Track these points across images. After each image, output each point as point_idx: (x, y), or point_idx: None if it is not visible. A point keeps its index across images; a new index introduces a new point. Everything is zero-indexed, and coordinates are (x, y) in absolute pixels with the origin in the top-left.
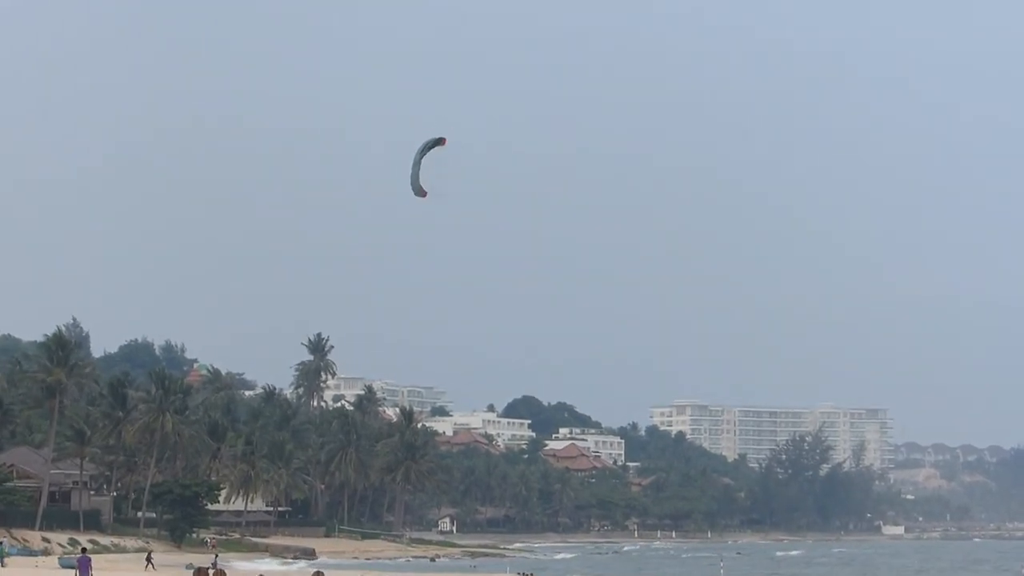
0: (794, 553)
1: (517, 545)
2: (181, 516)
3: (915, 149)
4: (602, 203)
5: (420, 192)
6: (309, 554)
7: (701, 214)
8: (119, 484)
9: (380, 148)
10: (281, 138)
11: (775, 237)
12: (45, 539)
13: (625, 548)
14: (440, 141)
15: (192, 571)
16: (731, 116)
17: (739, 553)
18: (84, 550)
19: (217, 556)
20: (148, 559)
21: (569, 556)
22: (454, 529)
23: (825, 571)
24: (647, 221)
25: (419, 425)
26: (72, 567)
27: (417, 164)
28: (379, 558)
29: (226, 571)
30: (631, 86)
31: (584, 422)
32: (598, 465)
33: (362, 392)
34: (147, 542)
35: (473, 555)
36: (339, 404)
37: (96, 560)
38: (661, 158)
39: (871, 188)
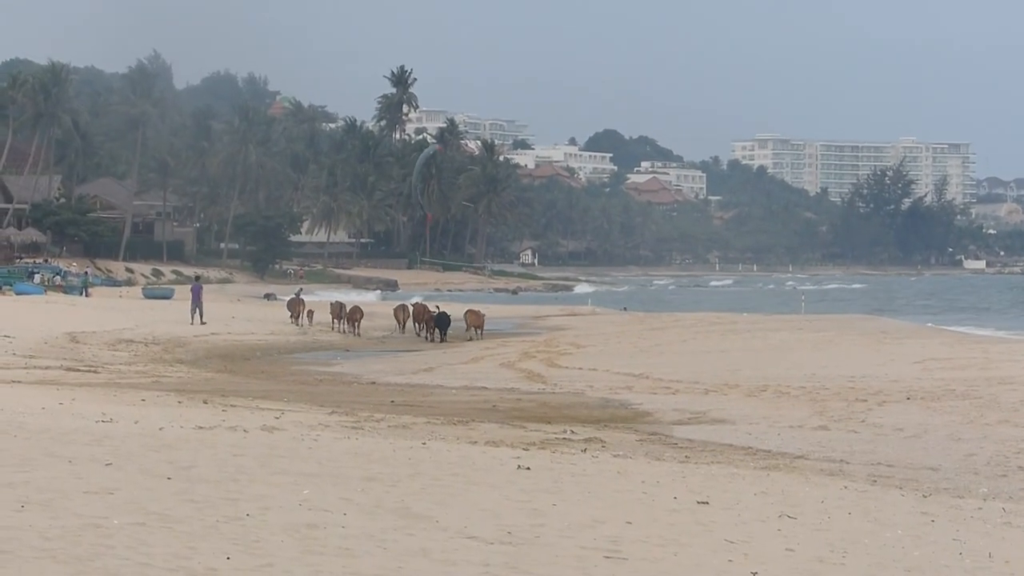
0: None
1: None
2: (264, 247)
3: None
4: None
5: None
6: (391, 285)
7: None
8: (202, 215)
9: None
10: None
11: None
12: (129, 269)
13: (712, 283)
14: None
15: (270, 299)
16: None
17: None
18: (197, 278)
19: (302, 287)
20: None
21: (589, 289)
22: (536, 262)
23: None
24: None
25: (501, 158)
26: (155, 298)
27: (417, 185)
28: (461, 290)
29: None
30: None
31: (666, 156)
32: (680, 199)
33: (444, 125)
34: (230, 272)
35: (555, 287)
36: (421, 137)
37: (179, 291)
38: None
39: None
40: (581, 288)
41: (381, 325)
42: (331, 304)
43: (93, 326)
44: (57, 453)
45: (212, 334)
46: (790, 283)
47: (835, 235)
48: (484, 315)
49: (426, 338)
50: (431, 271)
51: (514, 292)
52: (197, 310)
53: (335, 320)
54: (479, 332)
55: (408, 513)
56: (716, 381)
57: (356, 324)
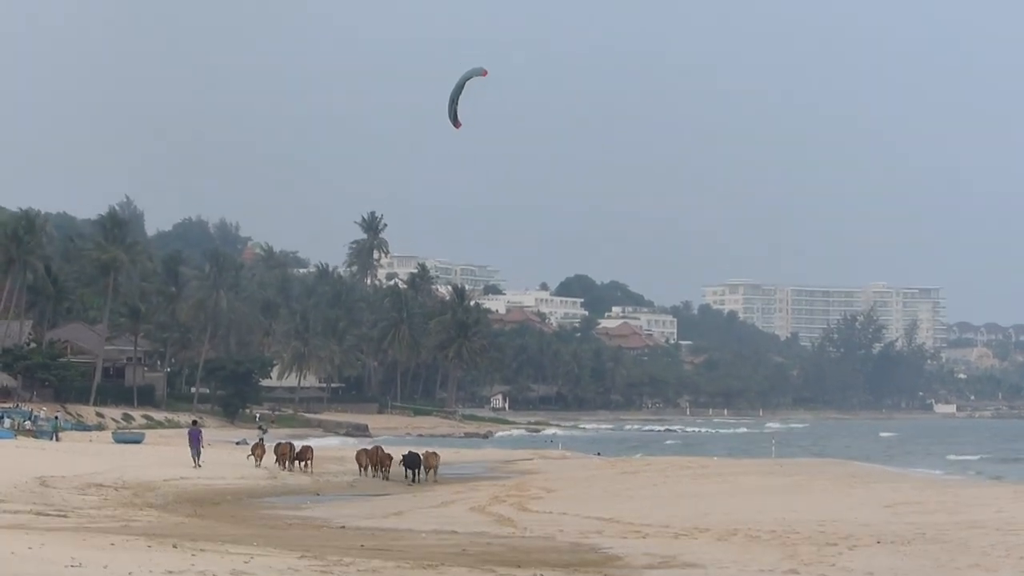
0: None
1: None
2: (234, 392)
3: None
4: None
5: (456, 124)
6: (362, 430)
7: (752, 98)
8: (173, 360)
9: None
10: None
11: (830, 119)
12: (99, 414)
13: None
14: (481, 73)
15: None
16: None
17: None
18: (195, 422)
19: (264, 431)
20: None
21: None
22: (506, 406)
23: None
24: (700, 102)
25: (472, 303)
26: (125, 442)
27: (454, 97)
28: (432, 434)
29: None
30: None
31: (637, 301)
32: (650, 344)
33: (415, 271)
34: (201, 417)
35: (532, 431)
36: (392, 282)
37: (150, 435)
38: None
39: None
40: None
41: (351, 469)
42: (278, 445)
43: (63, 470)
44: None
45: (182, 478)
46: (769, 426)
47: (806, 379)
48: (439, 456)
49: (383, 478)
50: (402, 415)
51: (485, 436)
52: (198, 453)
53: (284, 461)
54: (429, 473)
55: None
56: (686, 525)
57: (307, 462)
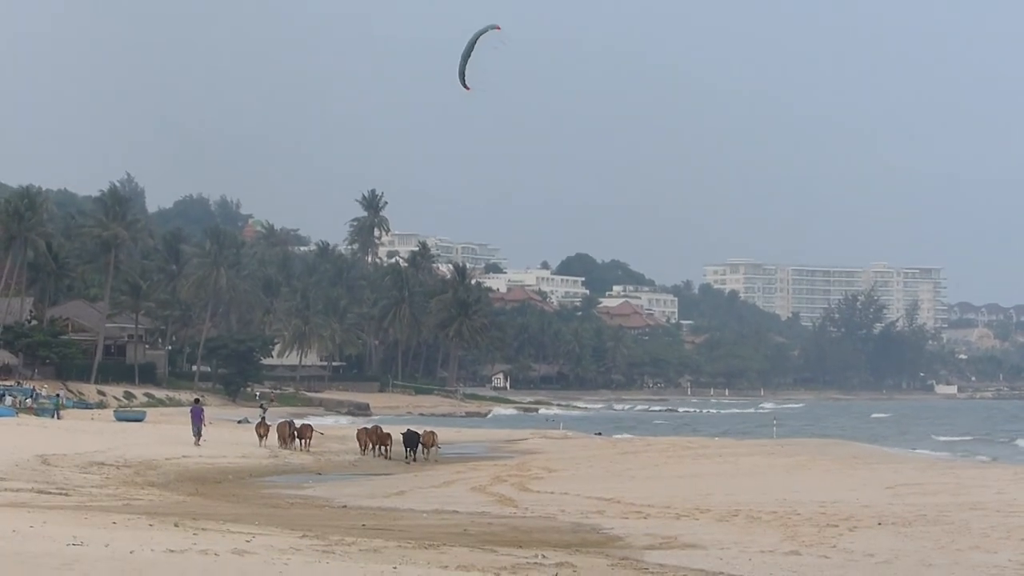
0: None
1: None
2: (235, 370)
3: None
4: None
5: (465, 86)
6: (363, 409)
7: (755, 74)
8: (174, 338)
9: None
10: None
11: (831, 102)
12: (100, 392)
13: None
14: (494, 27)
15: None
16: None
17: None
18: (197, 400)
19: (266, 409)
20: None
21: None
22: (507, 385)
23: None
24: (705, 82)
25: (473, 282)
26: (126, 420)
27: (466, 55)
28: (433, 413)
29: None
30: None
31: (638, 280)
32: (651, 323)
33: (416, 249)
34: (202, 395)
35: (526, 410)
36: (393, 260)
37: (151, 414)
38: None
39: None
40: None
41: (352, 448)
42: (278, 424)
43: (64, 449)
44: None
45: (184, 457)
46: (762, 406)
47: (807, 360)
48: (437, 435)
49: (386, 456)
50: (403, 394)
51: (486, 415)
52: (199, 431)
53: (284, 440)
54: (427, 452)
55: None
56: (688, 505)
57: (307, 441)
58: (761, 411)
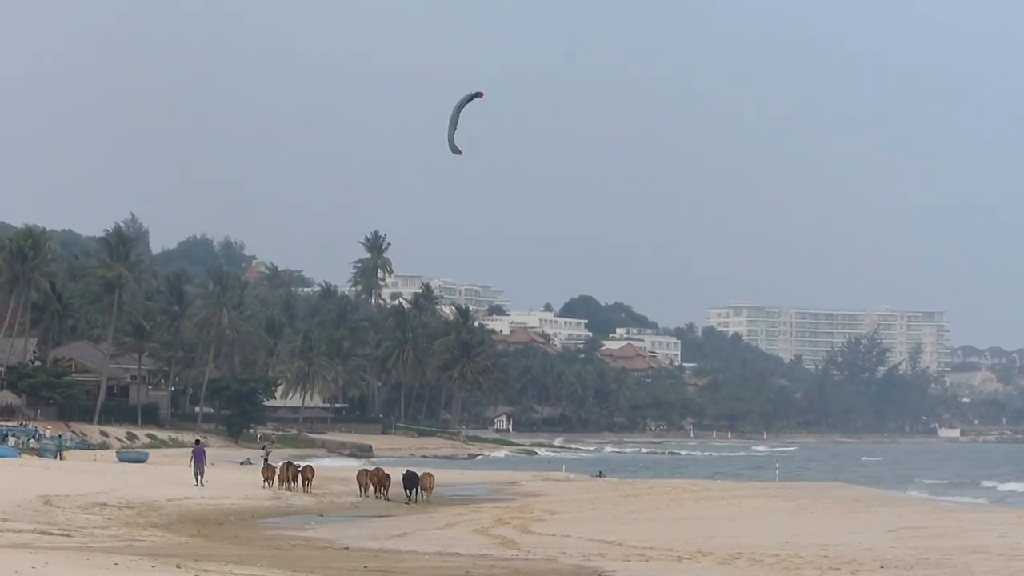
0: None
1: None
2: (238, 412)
3: None
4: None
5: (455, 150)
6: (366, 450)
7: (759, 119)
8: (177, 379)
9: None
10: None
11: (834, 143)
12: (103, 433)
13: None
14: (477, 95)
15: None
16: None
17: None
18: (198, 441)
19: (268, 450)
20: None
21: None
22: (510, 427)
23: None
24: (708, 126)
25: (476, 323)
26: (129, 461)
27: (454, 121)
28: (435, 455)
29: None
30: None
31: (641, 323)
32: (654, 365)
33: (419, 290)
34: (204, 436)
35: (524, 453)
36: (396, 302)
37: (153, 455)
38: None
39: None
40: (557, 454)
41: (354, 490)
42: (280, 466)
43: (67, 489)
44: None
45: (186, 498)
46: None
47: (809, 402)
48: (434, 477)
49: (385, 497)
50: (405, 436)
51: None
52: (200, 472)
53: (285, 481)
54: (425, 495)
55: None
56: (690, 548)
57: (308, 482)
58: (755, 454)
